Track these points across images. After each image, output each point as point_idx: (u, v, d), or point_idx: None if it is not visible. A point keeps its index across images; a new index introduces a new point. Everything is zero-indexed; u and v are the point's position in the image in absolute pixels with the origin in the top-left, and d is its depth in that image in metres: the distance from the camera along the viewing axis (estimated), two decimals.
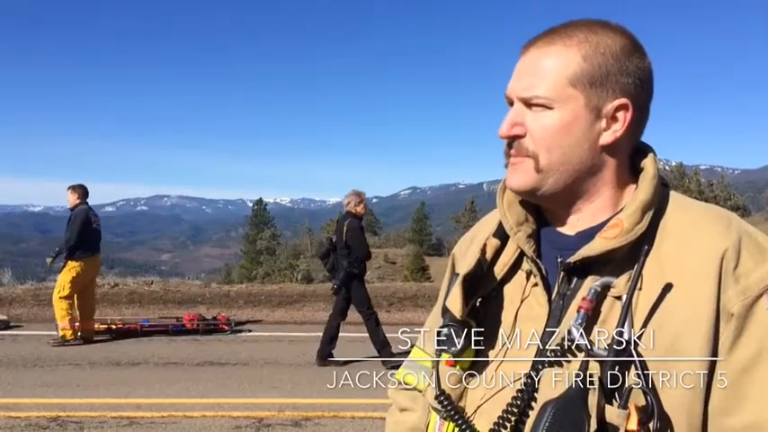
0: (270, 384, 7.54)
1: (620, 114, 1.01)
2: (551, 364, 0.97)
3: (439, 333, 1.04)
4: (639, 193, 1.01)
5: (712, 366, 0.93)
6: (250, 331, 11.30)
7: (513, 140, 1.03)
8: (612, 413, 0.90)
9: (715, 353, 0.93)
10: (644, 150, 1.07)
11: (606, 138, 1.01)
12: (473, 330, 1.05)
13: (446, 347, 1.04)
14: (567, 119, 0.99)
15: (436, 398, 1.06)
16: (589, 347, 0.93)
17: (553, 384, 0.95)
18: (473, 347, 1.05)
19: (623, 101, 1.01)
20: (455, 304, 1.04)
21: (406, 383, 1.29)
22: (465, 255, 1.19)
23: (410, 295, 14.48)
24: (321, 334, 8.63)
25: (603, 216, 1.03)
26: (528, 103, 1.01)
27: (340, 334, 8.57)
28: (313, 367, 8.39)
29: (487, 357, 1.06)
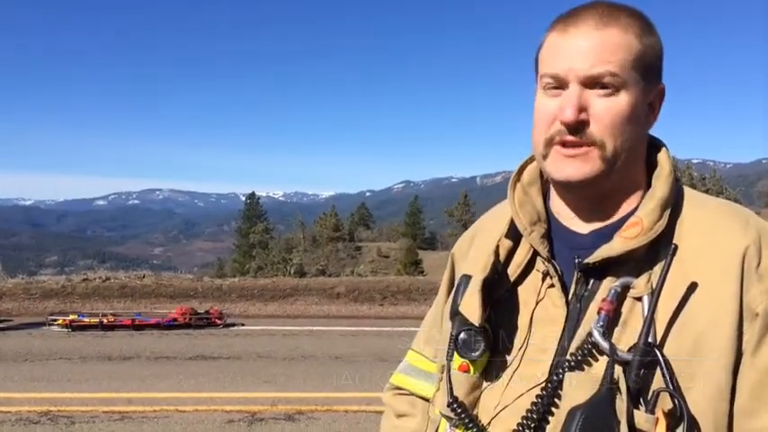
0: (263, 378, 7.53)
1: (656, 101, 0.98)
2: (572, 369, 0.92)
3: (456, 339, 0.99)
4: (657, 190, 0.97)
5: (737, 367, 0.89)
6: (243, 325, 11.28)
7: (577, 127, 0.94)
8: (641, 418, 0.86)
9: (739, 353, 0.89)
10: (653, 144, 1.03)
11: (648, 125, 0.98)
12: (490, 334, 0.99)
13: (465, 354, 0.99)
14: (633, 104, 0.94)
15: (449, 405, 1.01)
16: (613, 351, 0.89)
17: (577, 389, 0.90)
18: (487, 352, 1.00)
19: (662, 86, 0.98)
20: (473, 310, 0.98)
21: (404, 388, 1.25)
22: (466, 255, 1.15)
23: (403, 289, 14.49)
24: (314, 328, 8.62)
25: (620, 212, 0.99)
26: (593, 84, 0.93)
27: (336, 328, 8.57)
28: (306, 361, 8.38)
29: (503, 362, 1.01)
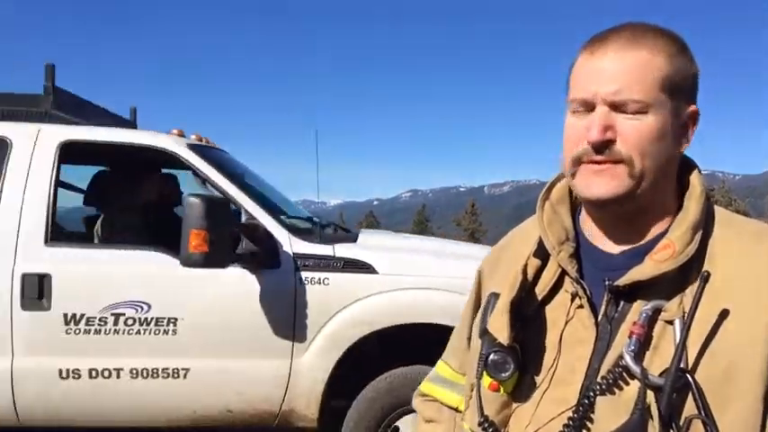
0: None
1: (690, 122, 0.98)
2: (603, 392, 0.92)
3: (486, 359, 0.99)
4: (689, 212, 0.96)
5: (767, 394, 0.89)
6: None
7: (603, 147, 0.94)
8: None
9: None
10: (686, 164, 1.03)
11: (681, 146, 0.98)
12: (519, 354, 0.99)
13: (495, 373, 0.99)
14: (660, 125, 0.94)
15: (480, 424, 1.01)
16: (645, 375, 0.88)
17: (608, 414, 0.90)
18: (517, 372, 1.00)
19: (694, 108, 0.98)
20: (501, 330, 0.97)
21: (432, 397, 1.26)
22: (494, 271, 1.15)
23: None
24: None
25: (650, 233, 0.99)
26: (619, 108, 0.94)
27: None
28: None
29: (533, 382, 1.00)
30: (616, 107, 0.94)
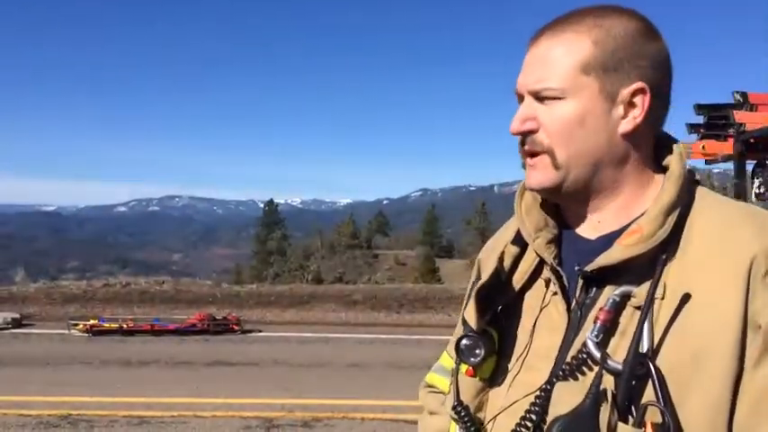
0: (279, 385, 7.56)
1: (637, 99, 0.95)
2: (565, 377, 0.92)
3: (458, 343, 1.02)
4: (663, 194, 0.95)
5: (738, 381, 0.86)
6: (260, 331, 11.34)
7: (526, 137, 0.97)
8: (626, 431, 0.84)
9: (741, 365, 0.86)
10: (671, 145, 1.01)
11: (626, 126, 0.95)
12: (494, 340, 1.01)
13: (465, 358, 1.01)
14: (581, 108, 0.94)
15: (453, 408, 1.04)
16: (604, 360, 0.87)
17: (565, 399, 0.89)
18: (493, 357, 1.02)
19: (640, 84, 0.95)
20: (471, 316, 1.01)
21: (434, 387, 1.28)
22: (487, 262, 1.14)
23: (420, 297, 14.49)
24: (330, 335, 8.66)
25: (626, 217, 0.98)
26: (539, 97, 0.96)
27: (353, 336, 8.59)
28: (323, 368, 8.39)
29: (507, 368, 1.02)
30: (538, 97, 0.96)
